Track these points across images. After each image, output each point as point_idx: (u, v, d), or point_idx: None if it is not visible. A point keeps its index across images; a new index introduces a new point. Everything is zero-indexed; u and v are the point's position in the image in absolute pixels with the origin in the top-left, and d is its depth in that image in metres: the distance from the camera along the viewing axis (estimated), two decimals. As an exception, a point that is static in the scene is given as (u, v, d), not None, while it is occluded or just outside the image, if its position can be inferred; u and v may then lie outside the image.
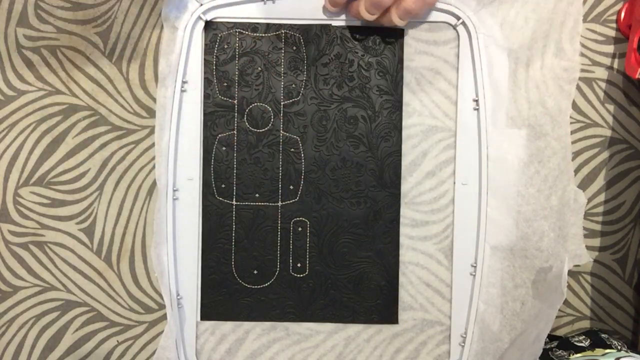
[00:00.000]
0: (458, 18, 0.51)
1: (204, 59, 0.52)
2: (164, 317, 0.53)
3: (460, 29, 0.52)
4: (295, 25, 0.52)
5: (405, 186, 0.53)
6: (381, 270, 0.53)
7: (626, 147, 0.53)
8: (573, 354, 0.47)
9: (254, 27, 0.52)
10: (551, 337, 0.53)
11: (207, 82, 0.52)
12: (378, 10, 0.47)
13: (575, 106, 0.53)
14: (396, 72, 0.52)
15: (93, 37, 0.52)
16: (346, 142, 0.52)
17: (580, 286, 0.54)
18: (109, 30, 0.52)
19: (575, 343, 0.49)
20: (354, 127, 0.52)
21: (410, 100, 0.52)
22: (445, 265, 0.53)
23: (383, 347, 0.53)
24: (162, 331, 0.53)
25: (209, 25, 0.52)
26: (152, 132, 0.53)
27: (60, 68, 0.52)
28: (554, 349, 0.49)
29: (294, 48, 0.52)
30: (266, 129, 0.52)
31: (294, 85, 0.52)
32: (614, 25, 0.53)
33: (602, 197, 0.53)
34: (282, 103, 0.52)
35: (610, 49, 0.53)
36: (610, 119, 0.53)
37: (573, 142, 0.53)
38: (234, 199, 0.52)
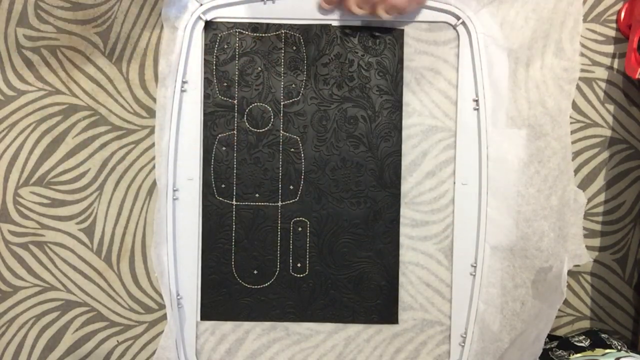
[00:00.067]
0: (458, 18, 0.51)
1: (204, 59, 0.52)
2: (164, 317, 0.53)
3: (460, 29, 0.52)
4: (295, 25, 0.52)
5: (405, 186, 0.53)
6: (381, 270, 0.53)
7: (626, 147, 0.53)
8: (573, 354, 0.47)
9: (254, 27, 0.52)
10: (551, 337, 0.53)
11: (207, 82, 0.52)
12: (367, 4, 0.47)
13: (575, 106, 0.53)
14: (396, 72, 0.52)
15: (93, 37, 0.52)
16: (346, 142, 0.52)
17: (580, 286, 0.54)
18: (109, 30, 0.52)
19: (575, 343, 0.49)
20: (354, 127, 0.52)
21: (410, 100, 0.52)
22: (445, 265, 0.53)
23: (383, 347, 0.53)
24: (162, 331, 0.53)
25: (209, 25, 0.52)
26: (152, 132, 0.53)
27: (60, 68, 0.52)
28: (554, 349, 0.49)
29: (294, 48, 0.52)
30: (266, 129, 0.52)
31: (294, 85, 0.52)
32: (614, 25, 0.53)
33: (602, 197, 0.53)
34: (282, 103, 0.52)
35: (610, 49, 0.53)
36: (610, 119, 0.53)
37: (573, 142, 0.53)
38: (234, 199, 0.52)
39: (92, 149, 0.53)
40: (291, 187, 0.52)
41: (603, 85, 0.53)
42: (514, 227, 0.51)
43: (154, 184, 0.52)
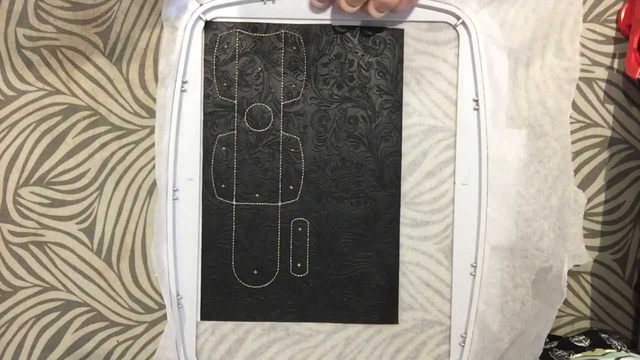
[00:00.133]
0: (458, 18, 0.51)
1: (204, 59, 0.52)
2: (164, 317, 0.53)
3: (460, 29, 0.52)
4: (295, 25, 0.52)
5: (405, 186, 0.53)
6: (381, 270, 0.53)
7: (626, 147, 0.53)
8: (573, 354, 0.47)
9: (254, 27, 0.52)
10: (551, 337, 0.53)
11: (207, 82, 0.52)
12: (358, 2, 0.47)
13: (575, 106, 0.53)
14: (396, 72, 0.52)
15: (93, 37, 0.52)
16: (346, 142, 0.52)
17: (580, 286, 0.54)
18: (109, 30, 0.52)
19: (575, 343, 0.49)
20: (354, 127, 0.52)
21: (410, 100, 0.52)
22: (445, 265, 0.53)
23: (383, 347, 0.53)
24: (162, 331, 0.53)
25: (209, 25, 0.52)
26: (152, 132, 0.53)
27: (60, 68, 0.52)
28: (554, 349, 0.49)
29: (294, 48, 0.52)
30: (266, 129, 0.52)
31: (294, 85, 0.52)
32: (614, 25, 0.53)
33: (602, 197, 0.53)
34: (282, 103, 0.52)
35: (610, 49, 0.53)
36: (610, 119, 0.53)
37: (573, 142, 0.53)
38: (234, 199, 0.52)
39: (92, 149, 0.53)
40: (291, 187, 0.52)
41: (603, 85, 0.53)
42: (514, 227, 0.51)
43: (154, 184, 0.53)
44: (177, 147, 0.52)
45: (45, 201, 0.53)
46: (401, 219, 0.53)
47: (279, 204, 0.52)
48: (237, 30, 0.52)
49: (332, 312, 0.53)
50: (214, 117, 0.52)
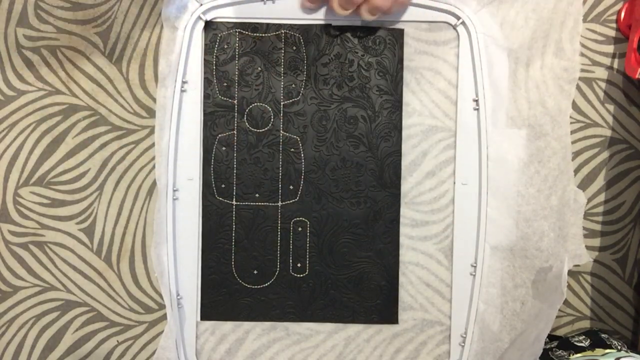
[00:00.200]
0: (458, 18, 0.51)
1: (204, 59, 0.52)
2: (164, 317, 0.53)
3: (460, 29, 0.52)
4: (295, 25, 0.52)
5: (405, 186, 0.53)
6: (381, 270, 0.53)
7: (626, 147, 0.53)
8: (573, 354, 0.47)
9: (254, 27, 0.52)
10: (551, 337, 0.53)
11: (207, 82, 0.52)
12: (351, 5, 0.47)
13: (575, 106, 0.53)
14: (396, 72, 0.52)
15: (93, 37, 0.52)
16: (346, 142, 0.52)
17: (580, 286, 0.54)
18: (109, 30, 0.52)
19: (575, 343, 0.49)
20: (354, 127, 0.52)
21: (410, 100, 0.52)
22: (445, 265, 0.53)
23: (383, 347, 0.53)
24: (162, 331, 0.53)
25: (209, 25, 0.52)
26: (152, 132, 0.53)
27: (60, 68, 0.52)
28: (554, 349, 0.49)
29: (294, 48, 0.52)
30: (266, 129, 0.52)
31: (293, 85, 0.52)
32: (614, 25, 0.53)
33: (602, 197, 0.53)
34: (282, 103, 0.52)
35: (610, 49, 0.53)
36: (610, 119, 0.53)
37: (573, 142, 0.53)
38: (234, 199, 0.52)
39: (92, 149, 0.53)
40: (291, 187, 0.52)
41: (603, 85, 0.53)
42: (514, 227, 0.51)
43: (154, 184, 0.53)
44: (177, 147, 0.52)
45: (45, 201, 0.53)
46: (401, 219, 0.53)
47: (279, 204, 0.52)
48: (237, 30, 0.52)
49: (332, 312, 0.53)
50: (214, 117, 0.52)
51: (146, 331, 0.53)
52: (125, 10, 0.52)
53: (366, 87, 0.52)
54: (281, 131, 0.52)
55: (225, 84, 0.52)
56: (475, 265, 0.52)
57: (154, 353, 0.53)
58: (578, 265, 0.53)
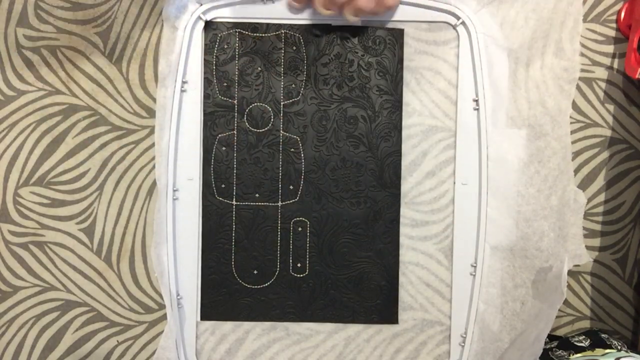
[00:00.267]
0: (458, 18, 0.51)
1: (204, 59, 0.52)
2: (164, 317, 0.53)
3: (460, 29, 0.52)
4: (295, 25, 0.52)
5: (405, 186, 0.53)
6: (381, 270, 0.53)
7: (626, 147, 0.53)
8: (573, 354, 0.47)
9: (254, 27, 0.52)
10: (551, 337, 0.53)
11: (207, 82, 0.52)
12: (334, 6, 0.47)
13: (575, 106, 0.53)
14: (396, 72, 0.52)
15: (93, 37, 0.52)
16: (346, 142, 0.52)
17: (580, 286, 0.54)
18: (109, 30, 0.52)
19: (575, 343, 0.49)
20: (354, 127, 0.52)
21: (410, 100, 0.52)
22: (445, 265, 0.53)
23: (383, 347, 0.53)
24: (162, 331, 0.53)
25: (209, 25, 0.52)
26: (152, 132, 0.53)
27: (60, 68, 0.52)
28: (554, 349, 0.49)
29: (294, 48, 0.52)
30: (266, 129, 0.52)
31: (293, 85, 0.52)
32: (614, 25, 0.53)
33: (602, 197, 0.53)
34: (282, 103, 0.52)
35: (610, 49, 0.53)
36: (610, 119, 0.53)
37: (573, 142, 0.53)
38: (234, 199, 0.52)
39: (92, 149, 0.53)
40: (291, 187, 0.52)
41: (603, 85, 0.53)
42: (514, 227, 0.51)
43: (154, 184, 0.52)
44: (177, 147, 0.52)
45: (45, 201, 0.53)
46: (401, 219, 0.53)
47: (279, 204, 0.52)
48: (237, 30, 0.52)
49: (332, 312, 0.53)
50: (214, 117, 0.52)
51: (146, 331, 0.53)
52: (125, 10, 0.52)
53: (366, 87, 0.52)
54: (281, 131, 0.52)
55: (225, 84, 0.52)
56: (475, 265, 0.52)
57: (154, 353, 0.53)
58: (578, 265, 0.53)
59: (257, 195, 0.52)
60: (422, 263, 0.53)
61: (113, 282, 0.53)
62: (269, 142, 0.52)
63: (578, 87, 0.53)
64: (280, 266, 0.53)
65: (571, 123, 0.52)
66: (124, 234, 0.53)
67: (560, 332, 0.54)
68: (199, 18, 0.51)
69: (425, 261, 0.53)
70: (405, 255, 0.53)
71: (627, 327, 0.54)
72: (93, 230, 0.53)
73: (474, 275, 0.52)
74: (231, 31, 0.52)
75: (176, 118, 0.51)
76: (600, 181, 0.53)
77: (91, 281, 0.53)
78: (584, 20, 0.52)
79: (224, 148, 0.52)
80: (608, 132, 0.53)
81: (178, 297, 0.52)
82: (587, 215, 0.53)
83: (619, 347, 0.48)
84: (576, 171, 0.53)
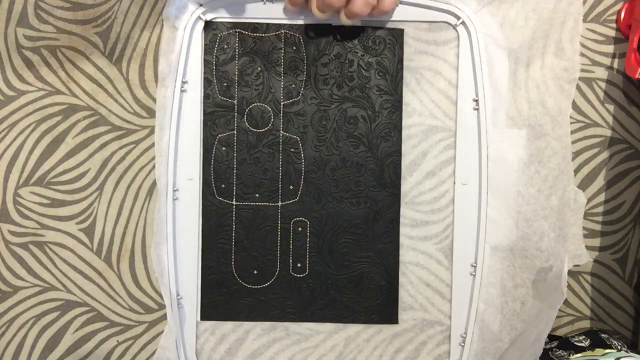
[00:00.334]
0: (458, 18, 0.51)
1: (204, 59, 0.52)
2: (164, 317, 0.53)
3: (460, 29, 0.52)
4: (295, 25, 0.52)
5: (405, 186, 0.53)
6: (381, 270, 0.53)
7: (626, 147, 0.53)
8: (573, 354, 0.47)
9: (254, 27, 0.52)
10: (551, 337, 0.53)
11: (207, 82, 0.52)
12: (329, 9, 0.48)
13: (575, 106, 0.53)
14: (396, 72, 0.52)
15: (93, 37, 0.52)
16: (346, 142, 0.52)
17: (580, 286, 0.54)
18: (109, 30, 0.52)
19: (575, 343, 0.49)
20: (354, 127, 0.52)
21: (410, 100, 0.52)
22: (445, 265, 0.53)
23: (383, 347, 0.53)
24: (162, 331, 0.53)
25: (208, 25, 0.52)
26: (152, 132, 0.53)
27: (60, 68, 0.52)
28: (554, 349, 0.49)
29: (294, 48, 0.52)
30: (266, 129, 0.52)
31: (293, 85, 0.52)
32: (614, 25, 0.53)
33: (602, 197, 0.53)
34: (282, 103, 0.52)
35: (610, 49, 0.53)
36: (610, 119, 0.53)
37: (573, 142, 0.53)
38: (234, 199, 0.52)
39: (92, 149, 0.53)
40: (291, 187, 0.52)
41: (603, 85, 0.53)
42: (514, 227, 0.51)
43: (154, 184, 0.52)
44: (177, 147, 0.52)
45: (45, 201, 0.53)
46: (401, 219, 0.53)
47: (279, 204, 0.52)
48: (237, 30, 0.52)
49: (332, 312, 0.53)
50: (214, 117, 0.52)
51: (146, 331, 0.53)
52: (125, 10, 0.52)
53: (366, 87, 0.52)
54: (281, 131, 0.52)
55: (225, 84, 0.52)
56: (475, 265, 0.52)
57: (154, 353, 0.53)
58: (578, 265, 0.53)
59: (257, 195, 0.52)
60: (422, 263, 0.53)
61: (113, 282, 0.53)
62: (269, 142, 0.52)
63: (578, 87, 0.53)
64: (280, 266, 0.53)
65: (571, 123, 0.52)
66: (124, 234, 0.53)
67: (560, 332, 0.54)
68: (199, 18, 0.51)
69: (425, 261, 0.53)
70: (405, 255, 0.53)
71: (627, 327, 0.54)
72: (93, 230, 0.53)
73: (474, 275, 0.52)
74: (231, 31, 0.52)
75: (176, 118, 0.51)
76: (600, 181, 0.53)
77: (91, 281, 0.53)
78: (584, 20, 0.52)
79: (224, 148, 0.52)
80: (608, 132, 0.53)
81: (178, 297, 0.52)
82: (587, 215, 0.53)
83: (619, 347, 0.48)
84: (576, 171, 0.53)
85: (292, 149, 0.52)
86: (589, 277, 0.54)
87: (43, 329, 0.53)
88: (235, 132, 0.52)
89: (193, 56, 0.52)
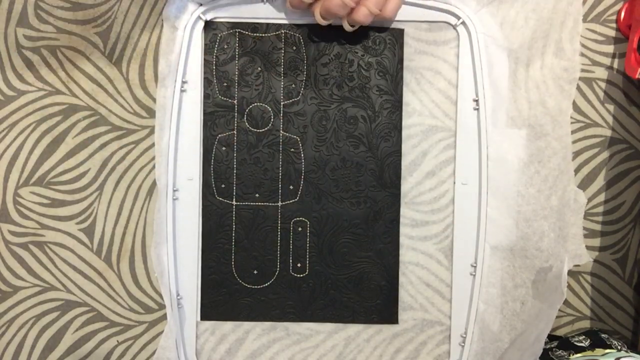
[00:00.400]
0: (458, 18, 0.51)
1: (204, 59, 0.52)
2: (164, 317, 0.53)
3: (460, 28, 0.52)
4: (296, 25, 0.52)
5: (405, 186, 0.53)
6: (381, 270, 0.53)
7: (626, 147, 0.53)
8: (573, 354, 0.47)
9: (254, 27, 0.52)
10: (551, 337, 0.53)
11: (207, 82, 0.52)
12: (332, 17, 0.48)
13: (575, 106, 0.53)
14: (396, 72, 0.52)
15: (93, 37, 0.52)
16: (346, 142, 0.52)
17: (580, 286, 0.54)
18: (109, 30, 0.52)
19: (575, 343, 0.49)
20: (354, 127, 0.52)
21: (410, 100, 0.52)
22: (445, 265, 0.53)
23: (383, 347, 0.53)
24: (162, 331, 0.53)
25: (208, 25, 0.52)
26: (152, 132, 0.53)
27: (60, 68, 0.52)
28: (554, 349, 0.49)
29: (294, 48, 0.52)
30: (266, 129, 0.52)
31: (293, 85, 0.52)
32: (614, 25, 0.53)
33: (602, 197, 0.53)
34: (282, 103, 0.52)
35: (610, 49, 0.53)
36: (610, 119, 0.53)
37: (573, 142, 0.53)
38: (234, 199, 0.52)
39: (92, 149, 0.53)
40: (291, 187, 0.52)
41: (603, 85, 0.53)
42: (514, 227, 0.51)
43: (154, 184, 0.53)
44: (177, 147, 0.52)
45: (45, 201, 0.53)
46: (401, 219, 0.53)
47: (279, 204, 0.52)
48: (237, 30, 0.52)
49: (332, 312, 0.53)
50: (214, 117, 0.52)
51: (146, 331, 0.53)
52: (125, 10, 0.52)
53: (366, 87, 0.52)
54: (281, 131, 0.52)
55: (225, 84, 0.52)
56: (475, 265, 0.52)
57: (154, 353, 0.53)
58: (578, 265, 0.53)
59: (257, 195, 0.52)
60: (422, 263, 0.53)
61: (113, 282, 0.53)
62: (269, 142, 0.52)
63: (578, 87, 0.53)
64: (280, 266, 0.53)
65: (571, 123, 0.52)
66: (124, 234, 0.53)
67: (560, 332, 0.54)
68: (199, 18, 0.51)
69: (425, 261, 0.53)
70: (405, 255, 0.53)
71: (627, 327, 0.54)
72: (93, 230, 0.53)
73: (474, 275, 0.52)
74: (231, 31, 0.52)
75: (176, 118, 0.51)
76: (600, 181, 0.53)
77: (91, 281, 0.53)
78: (584, 20, 0.52)
79: (224, 148, 0.52)
80: (608, 132, 0.53)
81: (178, 297, 0.52)
82: (587, 215, 0.53)
83: (619, 347, 0.48)
84: (576, 171, 0.53)
85: (292, 149, 0.52)
86: (589, 277, 0.54)
87: (43, 329, 0.53)
88: (235, 132, 0.52)
89: (193, 56, 0.52)
